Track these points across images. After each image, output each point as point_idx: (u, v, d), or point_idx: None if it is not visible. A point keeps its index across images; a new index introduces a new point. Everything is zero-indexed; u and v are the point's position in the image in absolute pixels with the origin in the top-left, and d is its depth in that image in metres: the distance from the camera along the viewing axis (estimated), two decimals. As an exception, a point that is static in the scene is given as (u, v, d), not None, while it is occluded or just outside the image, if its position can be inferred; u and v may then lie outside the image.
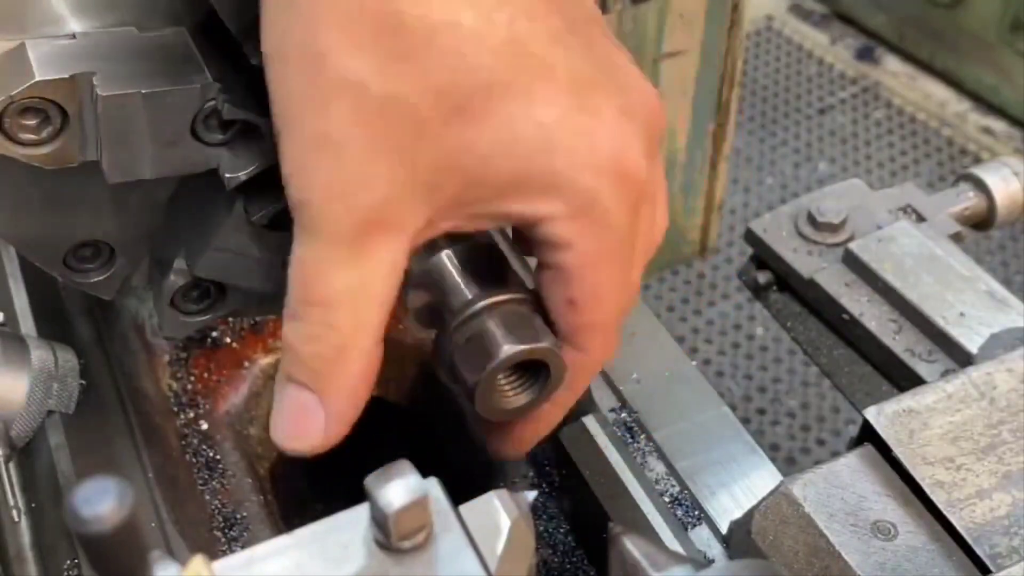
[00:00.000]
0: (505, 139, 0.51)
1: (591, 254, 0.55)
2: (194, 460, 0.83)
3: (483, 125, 0.50)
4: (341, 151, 0.51)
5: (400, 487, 0.42)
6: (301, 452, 0.57)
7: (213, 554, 0.47)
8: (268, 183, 0.65)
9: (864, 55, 2.68)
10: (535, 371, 0.59)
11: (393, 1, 0.49)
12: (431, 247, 0.59)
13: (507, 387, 0.59)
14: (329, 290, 0.53)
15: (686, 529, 0.71)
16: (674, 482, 0.74)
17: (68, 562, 0.69)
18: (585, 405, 0.80)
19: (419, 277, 0.59)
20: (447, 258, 0.59)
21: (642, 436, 0.76)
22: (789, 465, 1.79)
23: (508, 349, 0.56)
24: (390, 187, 0.51)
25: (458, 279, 0.59)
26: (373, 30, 0.49)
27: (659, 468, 0.75)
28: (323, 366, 0.54)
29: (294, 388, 0.56)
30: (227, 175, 0.62)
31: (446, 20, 0.49)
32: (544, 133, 0.51)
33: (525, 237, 0.58)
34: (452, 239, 0.59)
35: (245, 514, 0.80)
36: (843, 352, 0.84)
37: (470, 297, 0.57)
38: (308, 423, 0.56)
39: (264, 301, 0.77)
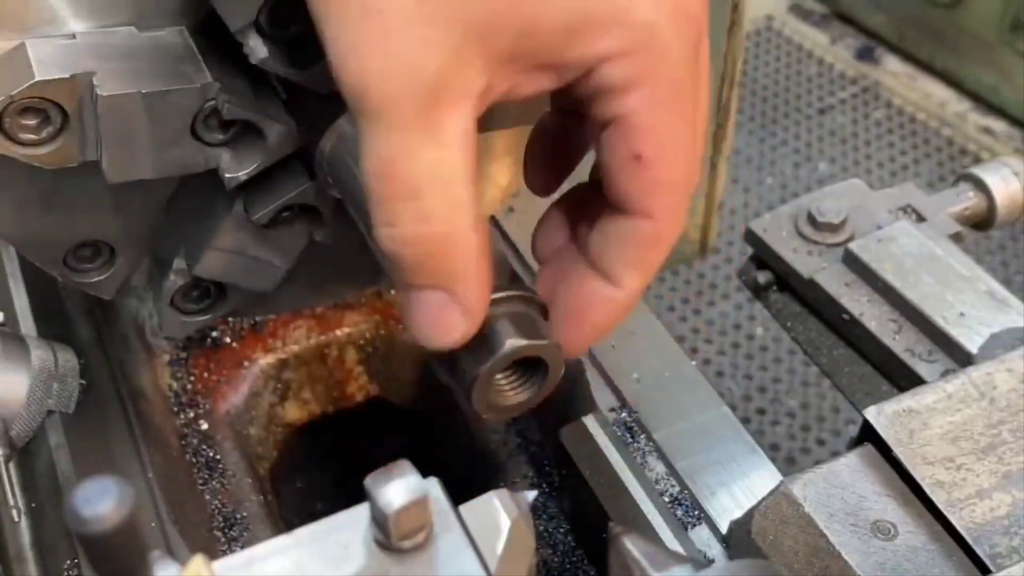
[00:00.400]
0: None
1: (655, 94, 0.52)
2: (194, 460, 0.83)
3: None
4: (391, 22, 0.48)
5: (400, 487, 0.42)
6: (454, 345, 0.54)
7: (213, 554, 0.47)
8: (268, 183, 0.65)
9: (864, 55, 2.68)
10: (532, 370, 0.59)
11: None
12: None
13: (505, 384, 0.59)
14: (413, 178, 0.50)
15: (686, 529, 0.71)
16: (674, 482, 0.74)
17: (68, 562, 0.69)
18: (585, 405, 0.80)
19: None
20: None
21: (642, 436, 0.76)
22: (789, 465, 1.79)
23: (513, 343, 0.55)
24: (446, 52, 0.49)
25: None
26: None
27: (659, 468, 0.75)
28: (437, 263, 0.52)
29: (419, 292, 0.53)
30: (227, 175, 0.62)
31: None
32: None
33: (583, 98, 0.54)
34: None
35: (245, 514, 0.80)
36: (843, 352, 0.84)
37: None
38: (449, 319, 0.53)
39: (264, 301, 0.77)
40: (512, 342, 0.56)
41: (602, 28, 0.50)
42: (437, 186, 0.50)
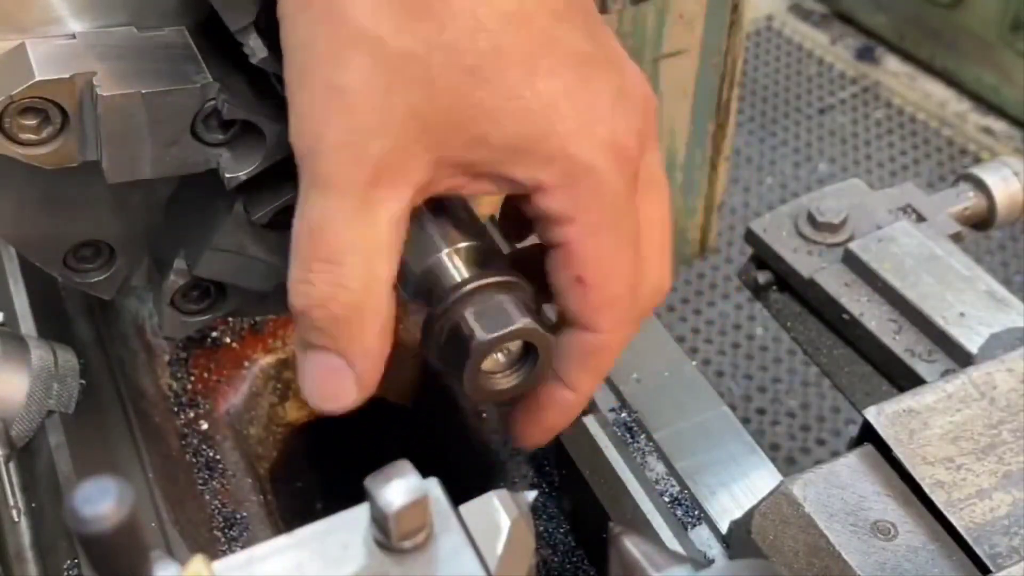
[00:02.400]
0: (510, 102, 0.53)
1: (592, 225, 0.56)
2: (194, 460, 0.83)
3: (491, 86, 0.52)
4: (354, 101, 0.52)
5: (400, 487, 0.42)
6: (339, 411, 0.57)
7: (213, 554, 0.47)
8: (268, 183, 0.65)
9: (864, 55, 2.68)
10: (524, 355, 0.59)
11: None
12: (430, 249, 0.59)
13: (496, 371, 0.60)
14: (338, 246, 0.53)
15: (686, 529, 0.71)
16: (674, 482, 0.74)
17: (68, 562, 0.69)
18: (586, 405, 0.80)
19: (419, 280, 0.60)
20: (446, 257, 0.59)
21: (642, 436, 0.76)
22: (789, 465, 1.79)
23: (525, 321, 0.57)
24: (400, 138, 0.52)
25: (451, 271, 0.59)
26: None
27: (659, 468, 0.75)
28: (341, 329, 0.54)
29: (316, 352, 0.56)
30: (227, 175, 0.62)
31: None
32: (546, 102, 0.54)
33: (528, 219, 0.58)
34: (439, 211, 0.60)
35: (245, 514, 0.80)
36: (843, 352, 0.85)
37: (447, 288, 0.58)
38: (339, 384, 0.56)
39: (264, 301, 0.77)
40: (523, 320, 0.56)
41: (544, 159, 0.54)
42: (358, 258, 0.54)
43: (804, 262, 0.86)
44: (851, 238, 0.87)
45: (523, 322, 0.57)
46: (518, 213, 0.60)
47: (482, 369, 0.58)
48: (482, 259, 0.60)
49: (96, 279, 0.71)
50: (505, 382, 0.60)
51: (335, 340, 0.55)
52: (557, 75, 0.54)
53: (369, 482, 0.43)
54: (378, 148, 0.52)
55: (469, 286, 0.57)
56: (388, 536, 0.43)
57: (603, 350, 0.61)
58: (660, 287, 0.62)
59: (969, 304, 0.79)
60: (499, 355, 0.59)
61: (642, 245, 0.59)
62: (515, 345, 0.59)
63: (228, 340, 0.90)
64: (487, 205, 0.93)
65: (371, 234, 0.53)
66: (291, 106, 0.54)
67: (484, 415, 0.90)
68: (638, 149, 0.57)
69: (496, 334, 0.56)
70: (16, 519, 0.71)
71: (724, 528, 0.70)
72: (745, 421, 1.55)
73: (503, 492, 0.48)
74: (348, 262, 0.53)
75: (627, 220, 0.58)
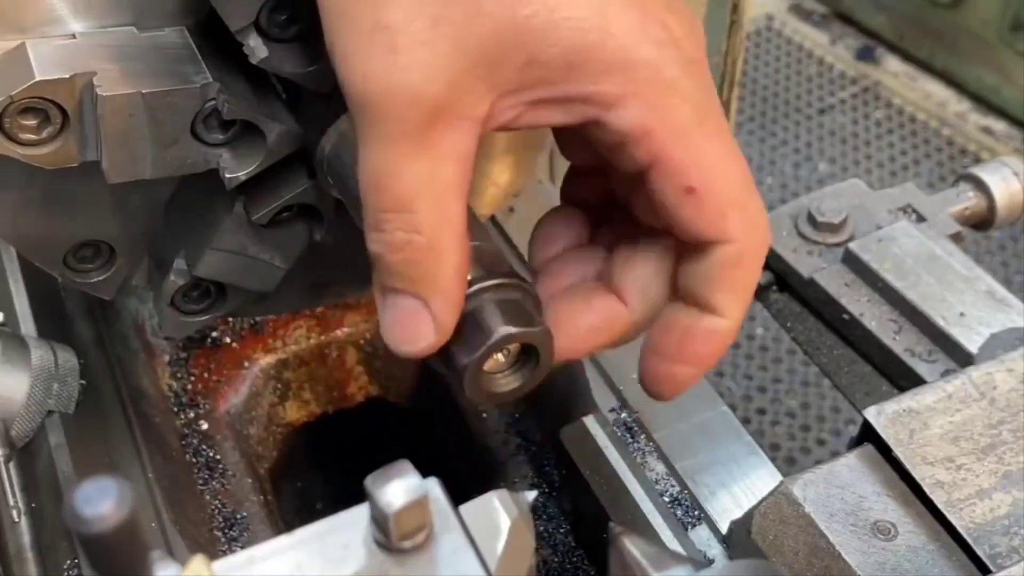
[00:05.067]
0: (558, 16, 0.51)
1: (676, 127, 0.53)
2: (194, 460, 0.83)
3: (537, 2, 0.50)
4: (400, 38, 0.50)
5: (400, 487, 0.42)
6: (418, 354, 0.56)
7: (213, 554, 0.47)
8: (268, 183, 0.65)
9: (864, 55, 2.68)
10: (524, 357, 0.59)
11: None
12: None
13: (496, 371, 0.60)
14: (404, 193, 0.52)
15: (686, 529, 0.71)
16: (674, 482, 0.74)
17: (68, 562, 0.69)
18: (585, 405, 0.80)
19: None
20: None
21: (642, 436, 0.76)
22: (789, 465, 1.79)
23: (504, 330, 0.56)
24: (452, 73, 0.51)
25: None
26: None
27: (659, 468, 0.75)
28: (418, 272, 0.54)
29: (395, 296, 0.55)
30: (227, 175, 0.62)
31: None
32: (595, 9, 0.51)
33: (610, 149, 0.55)
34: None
35: (245, 514, 0.80)
36: (843, 352, 0.84)
37: (468, 278, 0.58)
38: (418, 326, 0.55)
39: (264, 301, 0.77)
40: (504, 328, 0.56)
41: (604, 67, 0.52)
42: (427, 199, 0.52)
43: (804, 262, 0.86)
44: (851, 238, 0.86)
45: (503, 330, 0.56)
46: (599, 152, 0.56)
47: (482, 371, 0.58)
48: (480, 260, 0.60)
49: (96, 279, 0.71)
50: (505, 383, 0.60)
51: (412, 283, 0.54)
52: None
53: (369, 482, 0.43)
54: (431, 85, 0.50)
55: (493, 281, 0.57)
56: (388, 536, 0.43)
57: (741, 260, 0.55)
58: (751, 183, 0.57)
59: (969, 304, 0.79)
60: (499, 355, 0.59)
61: None
62: (515, 346, 0.59)
63: (228, 340, 0.90)
64: (487, 206, 0.94)
65: (437, 176, 0.52)
66: (332, 51, 0.52)
67: (484, 415, 0.90)
68: (699, 48, 0.54)
69: (477, 353, 0.56)
70: (16, 519, 0.71)
71: (724, 528, 0.70)
72: (745, 421, 1.55)
73: (503, 492, 0.48)
74: (417, 208, 0.52)
75: (713, 115, 0.54)
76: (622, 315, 0.59)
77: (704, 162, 0.54)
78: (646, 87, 0.52)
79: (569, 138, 0.61)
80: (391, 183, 0.52)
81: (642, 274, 0.59)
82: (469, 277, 0.58)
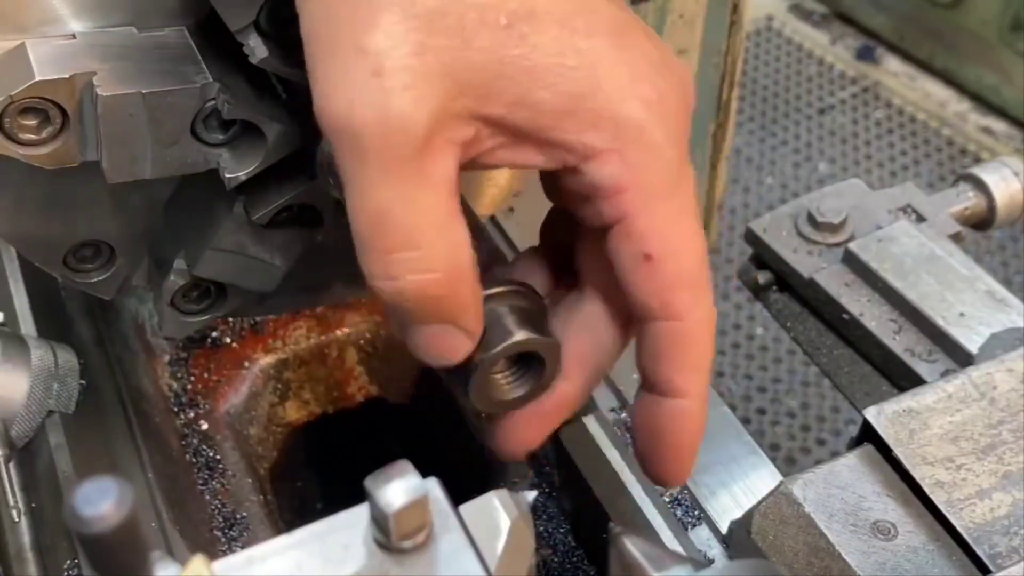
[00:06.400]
0: (550, 60, 0.50)
1: (649, 192, 0.52)
2: (194, 460, 0.83)
3: (529, 44, 0.50)
4: (385, 63, 0.48)
5: (400, 487, 0.42)
6: (456, 362, 0.56)
7: (213, 554, 0.47)
8: (268, 183, 0.65)
9: (864, 55, 2.68)
10: (529, 365, 0.59)
11: None
12: None
13: (502, 379, 0.59)
14: (408, 230, 0.50)
15: (686, 529, 0.71)
16: (674, 482, 0.74)
17: (68, 562, 0.69)
18: (585, 405, 0.80)
19: None
20: None
21: (642, 436, 0.76)
22: (789, 465, 1.79)
23: (521, 334, 0.56)
24: (440, 97, 0.49)
25: None
26: None
27: (659, 468, 0.74)
28: (440, 305, 0.53)
29: (423, 327, 0.54)
30: (227, 175, 0.62)
31: None
32: (588, 60, 0.51)
33: (580, 197, 0.55)
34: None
35: (245, 514, 0.80)
36: (843, 352, 0.84)
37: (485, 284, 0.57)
38: (451, 344, 0.55)
39: (264, 301, 0.77)
40: (513, 336, 0.56)
41: (591, 120, 0.51)
42: (435, 232, 0.51)
43: (804, 262, 0.86)
44: (851, 238, 0.86)
45: (522, 334, 0.56)
46: (566, 199, 0.56)
47: (491, 375, 0.58)
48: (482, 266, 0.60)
49: (96, 279, 0.71)
50: (511, 392, 0.60)
51: (438, 315, 0.53)
52: (596, 35, 0.51)
53: (369, 482, 0.43)
54: (421, 110, 0.48)
55: (506, 287, 0.57)
56: (388, 536, 0.43)
57: (692, 338, 0.55)
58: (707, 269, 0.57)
59: (969, 304, 0.79)
60: (505, 363, 0.59)
61: None
62: (520, 355, 0.59)
63: (228, 340, 0.90)
64: (487, 206, 0.94)
65: (436, 205, 0.50)
66: (315, 79, 0.50)
67: (484, 415, 0.90)
68: (684, 117, 0.54)
69: (493, 351, 0.56)
70: (16, 519, 0.71)
71: (724, 528, 0.70)
72: (745, 421, 1.55)
73: (503, 492, 0.48)
74: (426, 243, 0.50)
75: (685, 186, 0.54)
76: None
77: (666, 234, 0.53)
78: (629, 146, 0.52)
79: (547, 178, 0.60)
80: (394, 220, 0.50)
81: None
82: (486, 282, 0.58)
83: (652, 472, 0.60)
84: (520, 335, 0.56)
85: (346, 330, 0.95)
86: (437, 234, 0.51)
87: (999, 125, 2.47)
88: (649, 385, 0.58)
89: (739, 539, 0.67)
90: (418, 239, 0.50)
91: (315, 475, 1.01)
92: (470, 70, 0.49)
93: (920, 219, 0.89)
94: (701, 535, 0.71)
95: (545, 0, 0.50)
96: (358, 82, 0.48)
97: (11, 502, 0.71)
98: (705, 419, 0.58)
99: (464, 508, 0.46)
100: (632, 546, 0.48)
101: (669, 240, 0.54)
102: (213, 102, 0.60)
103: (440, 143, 0.50)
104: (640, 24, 0.54)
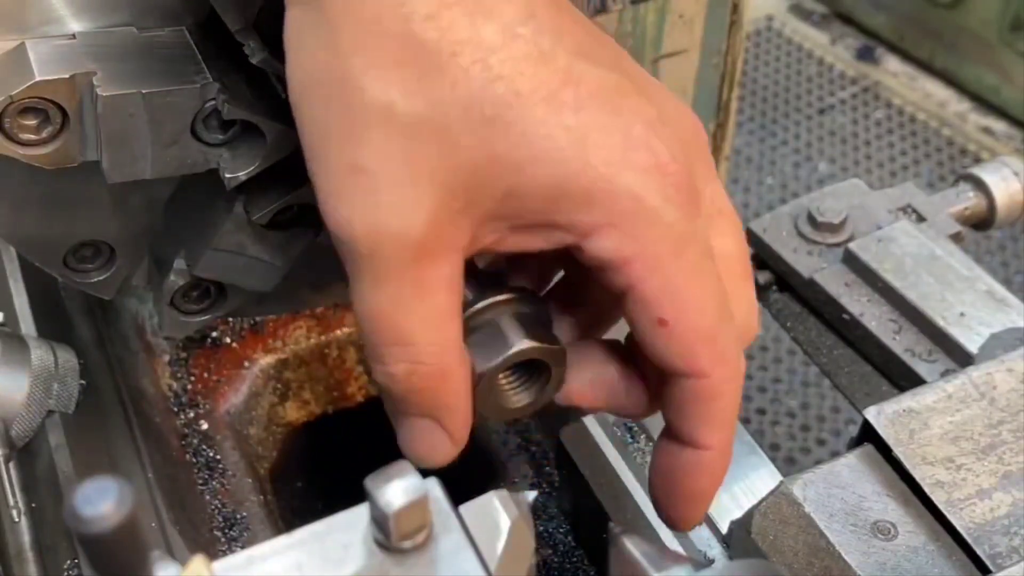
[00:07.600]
0: (536, 145, 0.50)
1: (654, 259, 0.52)
2: (194, 460, 0.83)
3: (514, 133, 0.50)
4: (377, 180, 0.50)
5: (400, 487, 0.42)
6: (439, 466, 0.57)
7: (213, 554, 0.47)
8: (268, 183, 0.65)
9: (864, 55, 2.68)
10: (535, 374, 0.59)
11: (412, 21, 0.49)
12: None
13: (507, 386, 0.59)
14: (403, 329, 0.53)
15: (686, 529, 0.71)
16: (674, 482, 0.73)
17: (68, 562, 0.69)
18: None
19: None
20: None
21: (642, 436, 0.76)
22: (789, 465, 1.79)
23: (526, 343, 0.56)
24: (431, 208, 0.50)
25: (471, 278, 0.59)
26: (396, 51, 0.49)
27: (659, 468, 0.74)
28: (425, 398, 0.55)
29: (407, 419, 0.56)
30: (227, 175, 0.62)
31: (467, 37, 0.49)
32: (575, 137, 0.50)
33: (589, 268, 0.54)
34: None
35: (245, 514, 0.80)
36: (843, 352, 0.84)
37: (485, 292, 0.57)
38: (434, 443, 0.57)
39: (264, 301, 0.77)
40: (526, 341, 0.56)
41: (583, 198, 0.51)
42: (425, 330, 0.53)
43: (804, 262, 0.86)
44: (851, 238, 0.86)
45: (523, 343, 0.56)
46: (581, 272, 0.56)
47: (496, 383, 0.58)
48: (481, 276, 0.59)
49: (96, 279, 0.71)
50: (517, 400, 0.60)
51: (423, 408, 0.55)
52: (584, 108, 0.50)
53: (369, 482, 0.43)
54: (414, 224, 0.50)
55: (511, 295, 0.57)
56: (388, 536, 0.43)
57: (715, 394, 0.55)
58: (749, 324, 0.57)
59: (969, 304, 0.79)
60: (512, 371, 0.59)
61: (723, 279, 0.55)
62: (525, 364, 0.58)
63: (228, 340, 0.90)
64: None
65: (431, 307, 0.52)
66: (317, 192, 0.53)
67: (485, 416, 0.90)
68: (686, 172, 0.53)
69: (495, 363, 0.56)
70: (16, 519, 0.71)
71: (724, 528, 0.70)
72: (745, 421, 1.55)
73: (503, 492, 0.48)
74: (417, 340, 0.52)
75: (693, 246, 0.53)
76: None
77: (678, 295, 0.53)
78: (624, 218, 0.51)
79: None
80: (388, 320, 0.52)
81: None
82: (490, 290, 0.58)
83: (664, 514, 0.60)
84: (523, 344, 0.56)
85: (346, 330, 0.95)
86: (429, 333, 0.53)
87: (999, 125, 2.47)
88: (672, 433, 0.58)
89: (739, 539, 0.67)
90: (410, 336, 0.53)
91: (315, 475, 1.01)
92: (459, 172, 0.50)
93: (920, 219, 0.89)
94: (701, 535, 0.71)
95: (528, 81, 0.50)
96: (354, 200, 0.51)
97: (11, 502, 0.71)
98: (725, 471, 0.58)
99: (464, 508, 0.46)
100: (632, 546, 0.48)
101: (682, 301, 0.53)
102: (213, 102, 0.60)
103: (436, 251, 0.51)
104: (633, 81, 0.53)
